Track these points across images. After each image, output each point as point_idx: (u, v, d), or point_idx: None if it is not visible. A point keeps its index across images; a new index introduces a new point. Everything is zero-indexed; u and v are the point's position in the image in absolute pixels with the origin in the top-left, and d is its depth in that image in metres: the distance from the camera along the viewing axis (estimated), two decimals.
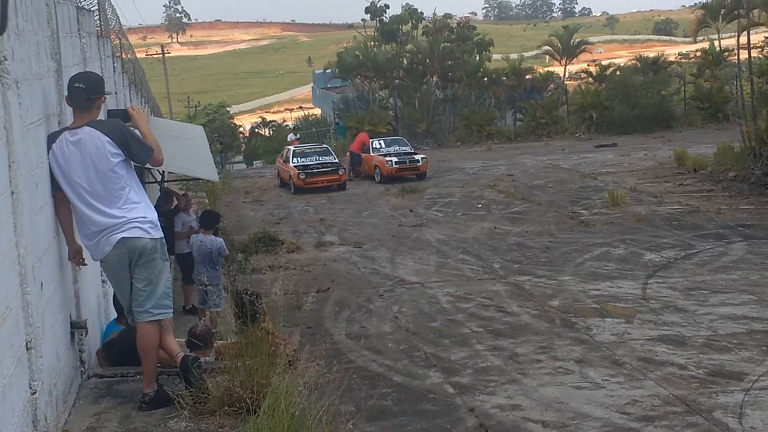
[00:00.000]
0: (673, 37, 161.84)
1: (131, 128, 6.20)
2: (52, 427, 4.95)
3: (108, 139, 5.89)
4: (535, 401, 9.94)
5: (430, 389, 10.59)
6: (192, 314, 12.57)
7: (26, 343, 4.56)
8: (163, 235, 6.28)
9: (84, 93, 5.97)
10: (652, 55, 59.07)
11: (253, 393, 5.60)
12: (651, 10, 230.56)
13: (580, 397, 9.97)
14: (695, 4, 68.74)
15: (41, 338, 4.86)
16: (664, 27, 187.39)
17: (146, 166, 6.80)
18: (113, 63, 13.12)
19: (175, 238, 13.30)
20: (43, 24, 6.03)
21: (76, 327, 6.23)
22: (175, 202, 13.58)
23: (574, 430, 9.04)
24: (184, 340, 7.52)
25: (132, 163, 6.13)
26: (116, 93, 12.16)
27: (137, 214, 5.99)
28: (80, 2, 8.77)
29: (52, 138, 5.92)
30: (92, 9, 10.13)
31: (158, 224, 6.23)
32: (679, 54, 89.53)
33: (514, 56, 54.71)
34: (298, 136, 38.81)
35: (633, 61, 56.96)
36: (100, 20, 11.65)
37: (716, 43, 48.76)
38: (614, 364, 11.09)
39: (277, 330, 7.28)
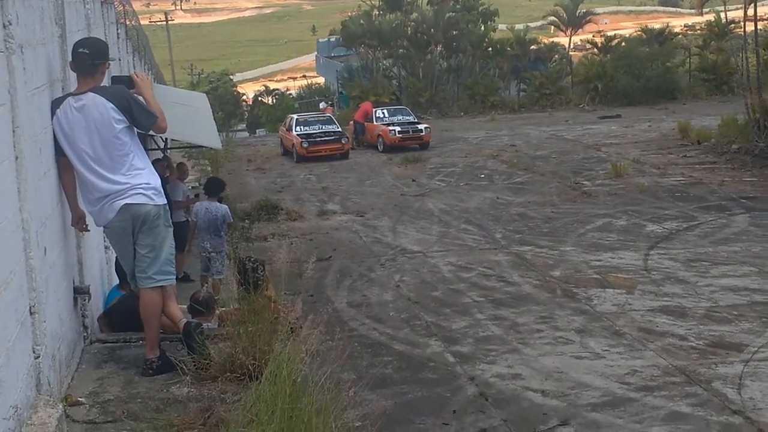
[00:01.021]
0: (679, 9, 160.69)
1: (135, 95, 6.19)
2: (55, 392, 4.98)
3: (112, 105, 5.88)
4: (536, 371, 10.01)
5: (431, 358, 10.66)
6: (186, 282, 12.54)
7: (30, 307, 4.58)
8: (166, 202, 6.29)
9: (88, 58, 5.96)
10: (657, 26, 58.80)
11: (255, 359, 5.62)
12: None
13: (580, 367, 10.04)
14: None
15: (44, 303, 4.88)
16: None
17: (149, 132, 6.80)
18: (117, 29, 13.10)
19: (174, 207, 13.30)
20: None
21: (79, 292, 6.25)
22: (167, 174, 13.45)
23: (573, 399, 9.11)
24: (185, 306, 7.56)
25: (135, 129, 6.13)
26: (120, 60, 12.15)
27: (141, 180, 6.00)
28: None
29: (56, 103, 5.92)
30: None
31: (161, 191, 6.23)
32: (684, 26, 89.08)
33: (519, 26, 54.43)
34: (330, 103, 37.75)
35: (638, 33, 56.70)
36: None
37: (722, 15, 48.48)
38: (614, 335, 11.15)
39: (279, 297, 7.31)
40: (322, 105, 36.81)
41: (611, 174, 23.04)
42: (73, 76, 6.19)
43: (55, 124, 5.84)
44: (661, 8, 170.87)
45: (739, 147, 25.34)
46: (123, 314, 6.85)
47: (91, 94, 5.89)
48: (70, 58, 6.10)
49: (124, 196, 5.92)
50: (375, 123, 32.68)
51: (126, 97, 6.04)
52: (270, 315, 6.12)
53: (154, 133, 7.56)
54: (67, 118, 5.83)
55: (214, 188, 13.26)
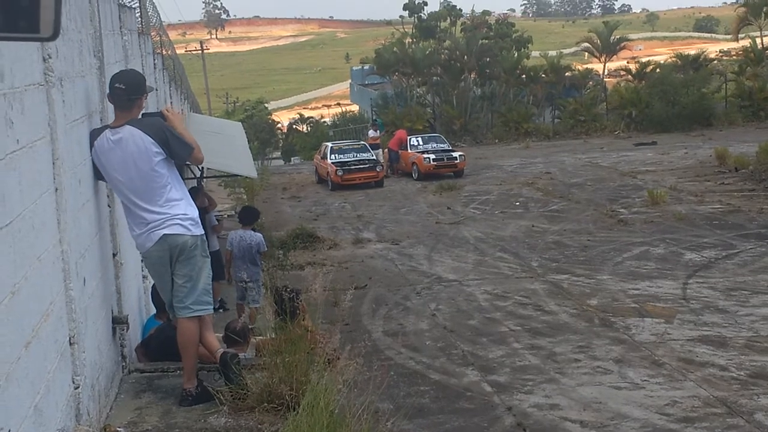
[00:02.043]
0: (714, 35, 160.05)
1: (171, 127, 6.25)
2: (94, 422, 5.00)
3: (150, 138, 5.95)
4: (574, 401, 9.89)
5: (468, 387, 10.57)
6: (222, 310, 12.57)
7: (69, 338, 4.60)
8: (203, 232, 6.33)
9: (125, 94, 6.03)
10: (692, 52, 58.45)
11: (292, 390, 5.62)
12: (692, 7, 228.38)
13: (618, 398, 9.91)
14: (737, 1, 68.01)
15: (84, 333, 4.91)
16: (705, 24, 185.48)
17: (186, 162, 6.86)
18: (154, 59, 13.23)
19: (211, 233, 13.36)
20: (86, 22, 6.09)
21: (118, 322, 6.29)
22: (205, 203, 13.55)
23: (612, 430, 8.99)
24: (221, 335, 7.57)
25: (171, 161, 6.18)
26: (157, 90, 12.26)
27: (178, 210, 6.05)
28: (122, 0, 8.85)
29: (94, 135, 5.99)
30: (133, 6, 10.21)
31: (199, 221, 6.28)
32: (720, 51, 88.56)
33: (552, 53, 54.36)
34: (378, 132, 36.44)
35: (673, 59, 56.41)
36: (141, 17, 11.75)
37: (758, 40, 48.15)
38: (654, 365, 11.01)
39: (315, 327, 7.30)
40: (371, 133, 36.19)
41: (648, 201, 22.85)
42: (111, 106, 6.26)
43: (93, 156, 5.92)
44: (696, 34, 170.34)
45: None
46: (160, 344, 6.87)
47: (128, 128, 5.96)
48: (107, 91, 6.16)
49: (163, 226, 5.97)
50: (409, 151, 32.71)
51: (163, 129, 6.11)
52: (307, 345, 6.12)
53: (190, 163, 7.62)
54: (104, 150, 5.91)
55: (248, 217, 13.33)
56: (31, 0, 1.55)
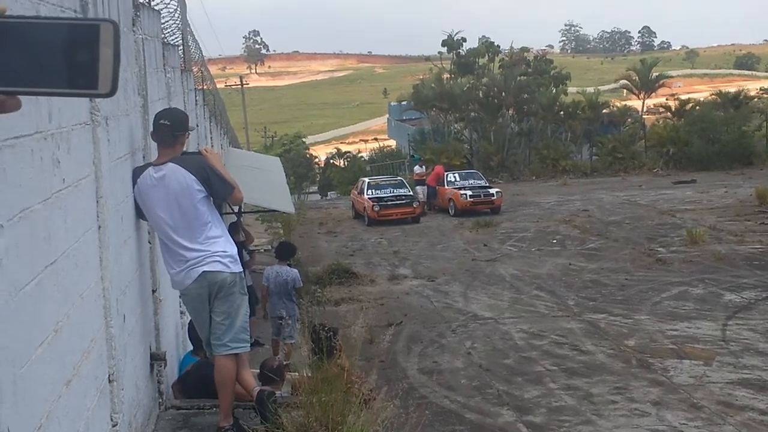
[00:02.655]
0: (755, 72, 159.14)
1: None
2: None
3: (192, 176, 6.02)
4: None
5: (503, 428, 10.50)
6: (257, 346, 12.60)
7: (109, 375, 4.64)
8: (242, 270, 6.37)
9: (169, 130, 6.12)
10: (732, 90, 58.10)
11: (328, 429, 5.62)
12: (732, 44, 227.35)
13: None
14: None
15: (123, 370, 4.94)
16: (746, 61, 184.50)
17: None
18: (195, 96, 13.38)
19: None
20: (131, 61, 6.19)
21: (156, 359, 6.33)
22: (242, 238, 13.67)
23: None
24: (255, 371, 7.58)
25: (211, 200, 6.25)
26: (198, 126, 12.40)
27: (218, 248, 6.10)
28: (166, 38, 8.98)
29: (137, 172, 6.07)
30: (176, 44, 10.35)
31: (237, 259, 6.33)
32: (761, 89, 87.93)
33: (590, 89, 54.27)
34: (424, 168, 36.24)
35: (713, 96, 56.10)
36: (183, 53, 11.91)
37: None
38: (692, 408, 10.86)
39: (352, 366, 7.29)
40: (417, 169, 35.96)
41: (687, 241, 22.64)
42: (153, 144, 6.34)
43: (136, 193, 5.99)
44: (737, 71, 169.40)
45: None
46: (197, 381, 6.89)
47: (171, 165, 6.03)
48: (151, 128, 6.25)
49: (202, 263, 6.02)
50: (446, 186, 32.73)
51: (205, 168, 6.18)
52: (343, 384, 6.11)
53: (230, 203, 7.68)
54: (147, 187, 5.99)
55: (285, 252, 13.42)
56: (90, 58, 1.60)
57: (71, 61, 1.58)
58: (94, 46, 1.59)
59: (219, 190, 6.19)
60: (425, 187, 33.69)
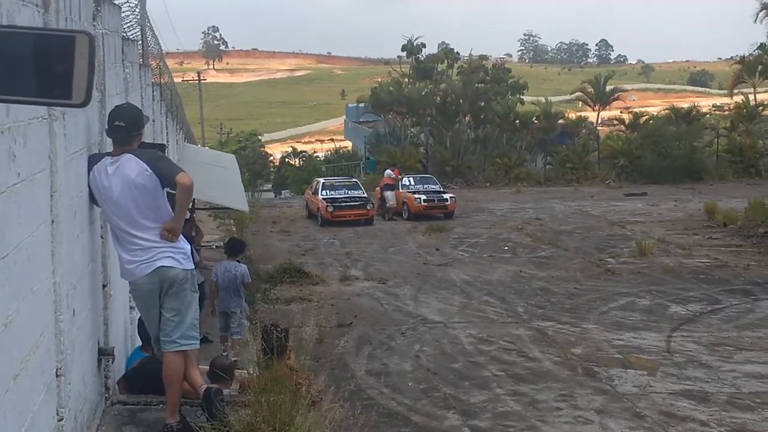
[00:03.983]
0: (708, 89, 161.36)
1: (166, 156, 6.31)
2: None
3: (146, 167, 6.01)
4: None
5: (449, 431, 10.57)
6: (205, 343, 12.55)
7: (56, 369, 4.62)
8: (194, 267, 6.37)
9: (125, 131, 6.11)
10: (685, 105, 58.95)
11: (275, 430, 5.63)
12: (687, 61, 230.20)
13: None
14: (731, 57, 68.69)
15: (70, 365, 4.92)
16: (700, 78, 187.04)
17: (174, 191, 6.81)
18: (153, 92, 13.31)
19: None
20: None
21: (104, 354, 6.30)
22: (193, 234, 13.64)
23: None
24: (204, 367, 7.58)
25: (167, 192, 6.22)
26: (153, 121, 12.33)
27: (171, 243, 6.10)
28: (125, 32, 8.94)
29: (93, 160, 6.05)
30: (135, 39, 10.30)
31: (190, 256, 6.33)
32: (713, 106, 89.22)
33: (545, 99, 54.72)
34: (396, 176, 34.84)
35: (666, 111, 56.87)
36: (142, 48, 11.86)
37: (751, 98, 48.61)
38: (635, 417, 11.04)
39: (301, 367, 7.31)
40: (387, 173, 34.58)
41: (636, 252, 22.96)
42: (109, 138, 6.32)
43: (91, 180, 5.98)
44: (690, 87, 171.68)
45: (766, 231, 25.22)
46: (144, 377, 6.88)
47: (126, 156, 6.03)
48: (106, 126, 6.23)
49: (155, 258, 6.01)
50: (401, 190, 32.74)
51: (154, 157, 6.17)
52: (292, 385, 6.14)
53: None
54: (101, 177, 5.97)
55: (234, 249, 13.45)
56: (65, 69, 1.63)
57: (46, 70, 1.60)
58: (69, 56, 1.61)
59: (166, 174, 6.06)
60: (393, 192, 32.72)
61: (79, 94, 1.63)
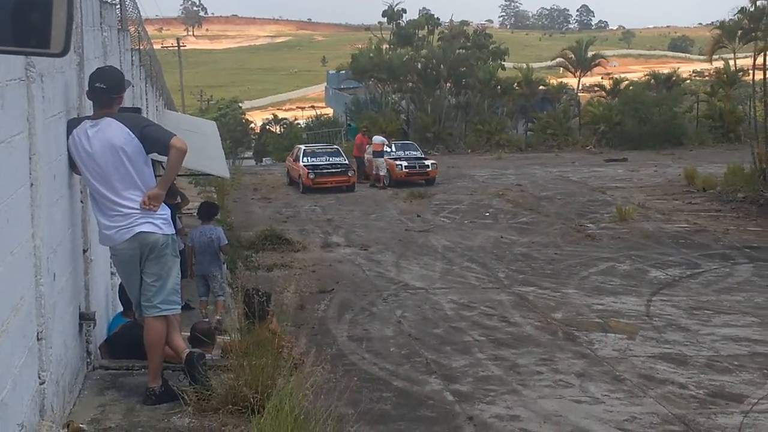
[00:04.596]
0: (688, 55, 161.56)
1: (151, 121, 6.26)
2: (58, 418, 5.01)
3: (128, 130, 5.97)
4: (534, 413, 9.98)
5: (430, 395, 10.64)
6: (187, 310, 12.55)
7: (37, 333, 4.62)
8: (174, 232, 6.35)
9: (106, 93, 6.05)
10: (666, 71, 59.02)
11: (257, 393, 5.65)
12: (668, 27, 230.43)
13: (579, 411, 10.01)
14: (712, 22, 68.71)
15: (51, 329, 4.92)
16: (680, 44, 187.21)
17: (161, 159, 6.76)
18: (132, 56, 13.20)
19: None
20: None
21: (85, 318, 6.29)
22: (178, 200, 13.55)
23: None
24: (186, 334, 7.58)
25: (148, 156, 6.18)
26: (133, 86, 12.24)
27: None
28: None
29: (72, 124, 6.00)
30: (113, 2, 10.20)
31: (170, 221, 6.31)
32: (693, 72, 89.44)
33: (526, 65, 54.64)
34: (386, 142, 33.74)
35: (647, 77, 56.95)
36: (120, 12, 11.74)
37: (731, 63, 48.71)
38: (615, 380, 11.13)
39: (283, 331, 7.33)
40: (378, 139, 33.71)
41: (616, 218, 23.06)
42: (89, 102, 6.27)
43: (70, 144, 5.93)
44: (671, 53, 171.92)
45: (744, 196, 25.38)
46: (126, 342, 6.87)
47: (107, 119, 5.98)
48: (87, 88, 6.18)
49: (135, 224, 5.98)
50: (383, 157, 32.53)
51: (140, 121, 6.14)
52: (274, 349, 6.15)
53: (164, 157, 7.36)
54: (82, 141, 5.92)
55: (207, 213, 13.41)
56: (43, 18, 1.60)
57: (24, 19, 1.58)
58: (47, 5, 1.59)
59: (158, 138, 6.04)
60: (383, 159, 32.00)
61: (58, 44, 1.61)
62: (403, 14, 55.60)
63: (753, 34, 33.05)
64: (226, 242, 13.32)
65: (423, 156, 33.74)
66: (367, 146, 33.42)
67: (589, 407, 10.18)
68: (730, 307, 14.84)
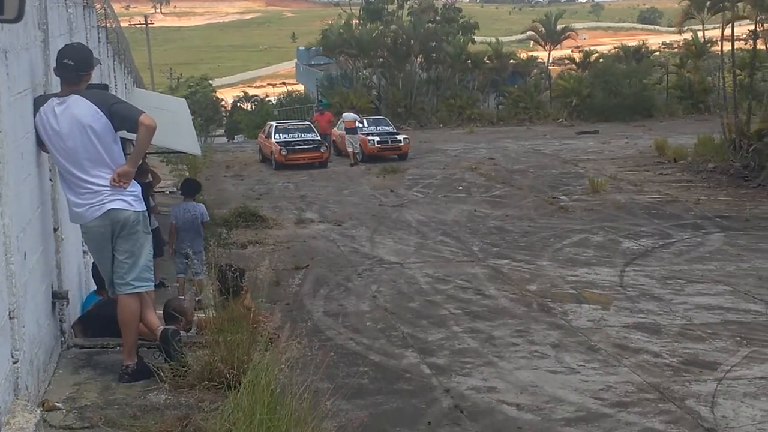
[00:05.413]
0: (657, 27, 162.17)
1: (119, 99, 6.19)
2: (32, 397, 4.97)
3: (95, 107, 5.90)
4: (511, 384, 10.02)
5: (407, 369, 10.64)
6: (161, 288, 12.47)
7: (9, 312, 4.56)
8: (145, 209, 6.30)
9: (73, 69, 5.97)
10: (635, 43, 59.19)
11: (233, 368, 5.63)
12: None
13: (555, 382, 10.05)
14: None
15: (23, 308, 4.86)
16: (649, 16, 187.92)
17: (130, 136, 6.72)
18: (98, 33, 13.04)
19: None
20: None
21: (58, 297, 6.23)
22: (149, 179, 13.46)
23: (548, 413, 9.12)
24: (160, 312, 7.54)
25: (117, 134, 6.11)
26: (101, 64, 12.10)
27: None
28: None
29: (39, 101, 5.92)
30: None
31: (141, 197, 6.26)
32: (662, 44, 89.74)
33: (496, 39, 54.61)
34: (359, 118, 33.36)
35: (616, 50, 57.09)
36: None
37: (700, 34, 48.91)
38: (590, 350, 11.18)
39: (257, 307, 7.30)
40: (349, 116, 33.20)
41: (588, 190, 23.17)
42: (55, 80, 6.18)
43: (37, 122, 5.85)
44: (640, 25, 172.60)
45: (714, 166, 25.57)
46: (99, 320, 6.82)
47: (74, 96, 5.92)
48: (54, 65, 6.09)
49: (105, 201, 5.92)
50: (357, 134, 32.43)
51: (108, 100, 6.07)
52: (249, 324, 6.13)
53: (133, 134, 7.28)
54: (49, 118, 5.85)
55: (190, 189, 13.35)
56: None
57: None
58: None
59: (126, 115, 6.00)
60: (357, 136, 31.91)
61: (12, 9, 1.57)
62: None
63: (721, 4, 33.12)
64: (208, 218, 13.30)
65: (395, 131, 33.72)
66: (339, 123, 33.47)
67: (565, 377, 10.22)
68: (702, 276, 14.95)
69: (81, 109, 5.87)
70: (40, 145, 5.93)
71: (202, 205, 13.27)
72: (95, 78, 7.46)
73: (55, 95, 6.01)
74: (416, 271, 15.63)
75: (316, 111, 36.38)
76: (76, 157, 5.87)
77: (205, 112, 63.86)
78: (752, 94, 27.64)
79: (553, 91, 48.69)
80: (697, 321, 12.35)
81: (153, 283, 6.41)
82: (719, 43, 34.08)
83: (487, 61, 49.36)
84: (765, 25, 27.64)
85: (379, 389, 9.89)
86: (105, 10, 17.28)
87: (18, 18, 1.51)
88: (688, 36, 50.40)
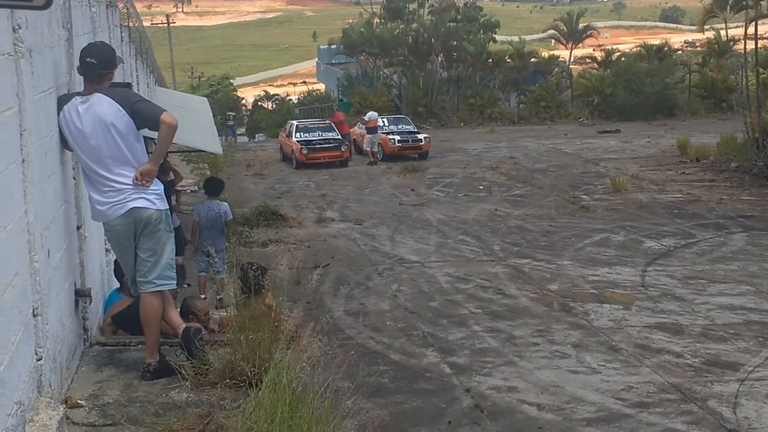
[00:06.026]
0: (679, 25, 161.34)
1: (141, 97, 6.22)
2: (56, 394, 4.99)
3: (118, 105, 5.93)
4: (531, 384, 9.99)
5: (427, 368, 10.64)
6: (186, 286, 12.56)
7: (33, 309, 4.59)
8: (168, 207, 6.33)
9: (96, 68, 6.00)
10: (657, 42, 58.88)
11: (255, 367, 5.65)
12: None
13: (575, 382, 10.02)
14: None
15: (47, 305, 4.90)
16: (671, 14, 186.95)
17: (152, 135, 6.74)
18: (121, 32, 13.11)
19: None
20: None
21: (81, 295, 6.27)
22: (171, 177, 13.54)
23: (569, 413, 9.09)
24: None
25: (140, 132, 6.14)
26: (123, 62, 12.16)
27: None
28: None
29: (62, 100, 5.96)
30: None
31: (164, 196, 6.28)
32: (684, 42, 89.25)
33: (516, 38, 54.48)
34: (377, 115, 33.46)
35: (638, 48, 56.80)
36: None
37: (722, 32, 48.61)
38: (611, 350, 11.14)
39: (278, 305, 7.32)
40: (372, 115, 33.35)
41: (610, 189, 23.07)
42: (78, 79, 6.22)
43: (61, 120, 5.89)
44: (662, 24, 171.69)
45: (737, 165, 25.40)
46: (132, 320, 6.82)
47: (97, 95, 5.95)
48: (77, 63, 6.12)
49: (128, 200, 5.95)
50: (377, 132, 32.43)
51: (130, 97, 6.10)
52: (271, 323, 6.14)
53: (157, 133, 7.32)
54: (72, 117, 5.88)
55: (214, 188, 13.39)
56: None
57: None
58: None
59: (148, 114, 6.02)
60: (377, 134, 31.97)
61: None
62: None
63: (744, 2, 32.90)
64: (232, 217, 13.35)
65: (416, 130, 33.69)
66: (359, 122, 33.50)
67: (586, 377, 10.19)
68: (724, 276, 14.85)
69: (104, 107, 5.90)
70: (64, 143, 5.98)
71: (226, 203, 13.31)
72: (118, 77, 7.50)
73: (78, 94, 6.05)
74: (437, 271, 15.62)
75: (336, 110, 36.49)
76: (99, 155, 5.91)
77: (226, 111, 64.03)
78: None
79: (574, 90, 48.50)
80: (720, 321, 12.28)
81: (175, 282, 6.44)
82: (742, 41, 33.85)
83: (508, 60, 49.25)
84: None
85: (399, 388, 9.88)
86: (128, 9, 17.38)
87: (47, 5, 1.53)
88: (710, 34, 50.12)
